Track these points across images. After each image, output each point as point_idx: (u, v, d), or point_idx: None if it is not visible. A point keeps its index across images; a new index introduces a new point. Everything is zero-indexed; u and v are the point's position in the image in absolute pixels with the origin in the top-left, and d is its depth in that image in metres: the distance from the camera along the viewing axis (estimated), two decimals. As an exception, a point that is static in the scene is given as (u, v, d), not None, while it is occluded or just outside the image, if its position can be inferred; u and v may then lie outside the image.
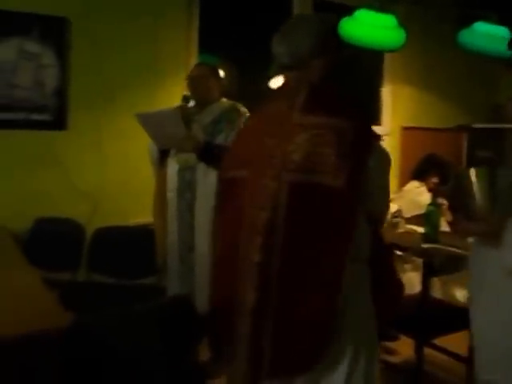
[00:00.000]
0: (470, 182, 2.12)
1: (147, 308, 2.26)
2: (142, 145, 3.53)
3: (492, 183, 2.15)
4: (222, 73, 3.69)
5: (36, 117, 3.85)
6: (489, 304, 1.84)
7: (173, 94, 3.83)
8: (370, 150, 1.88)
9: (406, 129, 5.21)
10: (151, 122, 3.20)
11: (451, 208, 3.68)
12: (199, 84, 3.42)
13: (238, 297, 1.98)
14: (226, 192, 2.13)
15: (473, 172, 2.10)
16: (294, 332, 1.93)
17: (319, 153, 1.85)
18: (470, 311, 2.04)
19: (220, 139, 3.33)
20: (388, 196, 2.01)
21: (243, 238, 1.99)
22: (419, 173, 4.30)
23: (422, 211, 3.57)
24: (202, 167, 3.31)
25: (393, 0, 4.48)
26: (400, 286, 2.10)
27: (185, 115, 3.27)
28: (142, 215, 3.73)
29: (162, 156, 3.41)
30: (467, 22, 4.47)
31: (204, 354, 3.13)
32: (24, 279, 2.58)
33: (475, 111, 5.25)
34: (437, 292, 3.80)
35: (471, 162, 4.47)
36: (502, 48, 3.71)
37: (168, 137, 3.22)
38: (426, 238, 3.45)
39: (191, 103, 3.42)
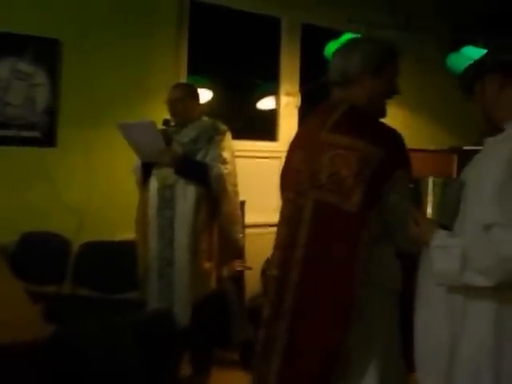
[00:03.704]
0: (426, 189, 2.16)
1: (127, 321, 2.31)
2: (129, 162, 3.67)
3: (443, 193, 2.18)
4: (207, 95, 3.76)
5: (26, 134, 4.03)
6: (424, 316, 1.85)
7: (162, 114, 3.93)
8: (392, 182, 1.91)
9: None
10: (131, 133, 3.39)
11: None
12: (177, 106, 3.56)
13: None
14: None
15: (430, 181, 2.14)
16: (302, 354, 1.99)
17: (338, 173, 1.90)
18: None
19: (199, 157, 3.47)
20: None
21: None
22: None
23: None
24: (181, 184, 3.44)
25: (380, 24, 4.55)
26: None
27: (166, 136, 3.44)
28: (128, 230, 3.80)
29: (145, 175, 3.55)
30: (456, 45, 4.55)
31: (184, 369, 3.24)
32: (6, 291, 2.66)
33: (466, 133, 5.31)
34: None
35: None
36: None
37: (148, 148, 3.38)
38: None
39: (172, 124, 3.58)
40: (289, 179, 2.13)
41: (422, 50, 5.12)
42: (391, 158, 1.92)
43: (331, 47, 4.25)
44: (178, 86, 3.79)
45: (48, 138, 4.07)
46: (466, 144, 4.97)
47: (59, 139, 4.08)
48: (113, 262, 3.89)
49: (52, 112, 4.07)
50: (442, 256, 1.68)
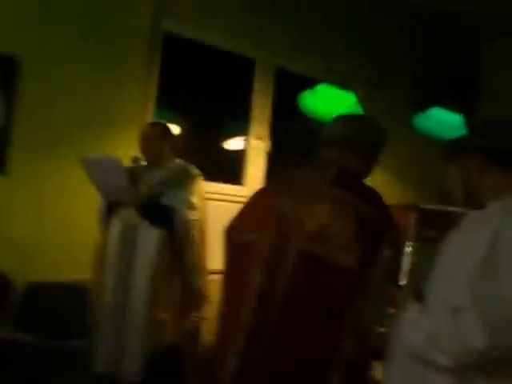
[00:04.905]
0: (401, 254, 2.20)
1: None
2: (84, 199, 3.52)
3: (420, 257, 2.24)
4: (174, 130, 3.62)
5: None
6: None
7: (125, 149, 3.72)
8: (386, 242, 1.94)
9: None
10: (94, 168, 3.22)
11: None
12: (149, 145, 3.44)
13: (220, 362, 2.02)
14: (232, 256, 2.19)
15: (408, 245, 2.17)
16: None
17: (335, 227, 1.89)
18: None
19: (166, 200, 3.32)
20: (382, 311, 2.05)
21: (239, 301, 2.02)
22: None
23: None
24: (144, 226, 3.28)
25: (353, 78, 4.59)
26: None
27: (132, 175, 3.29)
28: (77, 272, 3.58)
29: (108, 215, 3.38)
30: (424, 105, 4.65)
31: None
32: None
33: (425, 191, 5.40)
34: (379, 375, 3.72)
35: (418, 240, 4.55)
36: (453, 134, 3.82)
37: (111, 186, 3.23)
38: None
39: (142, 163, 3.45)
40: (267, 223, 2.07)
41: (390, 106, 5.18)
42: (385, 220, 1.99)
43: (306, 96, 4.24)
44: (153, 124, 3.66)
45: (-3, 164, 3.75)
46: (425, 202, 4.99)
47: (10, 166, 3.74)
48: (59, 305, 3.61)
49: (4, 135, 3.74)
50: (411, 330, 1.73)
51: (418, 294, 1.81)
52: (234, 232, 2.21)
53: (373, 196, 2.06)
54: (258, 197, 2.27)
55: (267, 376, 1.95)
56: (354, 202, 1.94)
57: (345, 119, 2.32)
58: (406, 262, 2.25)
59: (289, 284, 1.93)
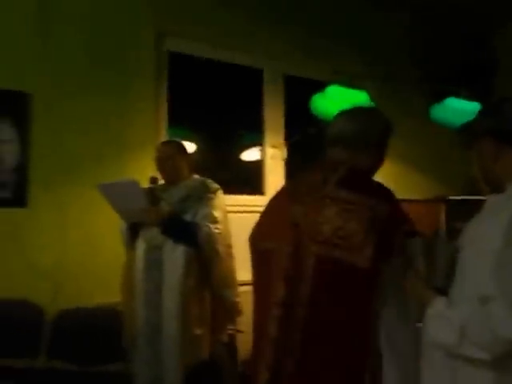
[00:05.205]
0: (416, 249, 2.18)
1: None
2: (107, 222, 3.52)
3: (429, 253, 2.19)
4: (189, 148, 3.61)
5: (-6, 193, 3.74)
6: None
7: (141, 169, 3.76)
8: (400, 237, 1.90)
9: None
10: (112, 193, 3.21)
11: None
12: (167, 164, 3.43)
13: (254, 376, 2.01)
14: (258, 264, 2.19)
15: (420, 241, 2.15)
16: None
17: (347, 228, 1.87)
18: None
19: (189, 216, 3.31)
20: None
21: (265, 311, 2.02)
22: None
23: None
24: (169, 245, 3.27)
25: (363, 76, 4.56)
26: None
27: (152, 195, 3.28)
28: (107, 295, 3.61)
29: (132, 237, 3.38)
30: (439, 96, 4.62)
31: None
32: None
33: (452, 183, 5.35)
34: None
35: (451, 233, 4.51)
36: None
37: (131, 208, 3.21)
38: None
39: (160, 183, 3.45)
40: (283, 231, 2.05)
41: (405, 101, 5.18)
42: (396, 214, 1.95)
43: (317, 99, 4.23)
44: (168, 143, 3.65)
45: (18, 198, 3.78)
46: (452, 193, 4.96)
47: (30, 199, 3.80)
48: (92, 331, 3.61)
49: (22, 170, 3.80)
50: (439, 326, 1.71)
51: (440, 288, 1.80)
52: (256, 239, 2.21)
53: (382, 193, 2.00)
54: (272, 204, 2.25)
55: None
56: (362, 201, 1.90)
57: (347, 115, 2.22)
58: (425, 256, 2.20)
59: (311, 290, 1.91)
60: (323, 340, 1.90)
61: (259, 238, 2.20)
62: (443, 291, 1.78)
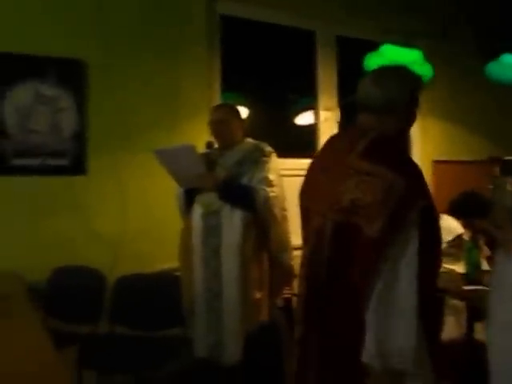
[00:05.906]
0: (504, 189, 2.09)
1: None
2: (165, 189, 3.51)
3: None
4: (243, 111, 3.58)
5: (53, 162, 3.83)
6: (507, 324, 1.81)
7: (195, 134, 3.80)
8: (416, 212, 1.85)
9: (436, 162, 5.27)
10: (169, 159, 3.21)
11: (489, 243, 3.58)
12: (221, 128, 3.40)
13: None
14: (302, 220, 2.25)
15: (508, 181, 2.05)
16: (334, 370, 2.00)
17: (362, 199, 1.88)
18: (487, 334, 1.99)
19: (245, 180, 3.31)
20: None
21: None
22: (460, 213, 4.07)
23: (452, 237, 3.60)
24: (226, 210, 3.27)
25: (416, 35, 4.46)
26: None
27: (209, 160, 3.30)
28: (166, 260, 3.66)
29: (188, 202, 3.40)
30: (491, 54, 4.48)
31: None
32: (27, 333, 2.42)
33: (504, 143, 5.22)
34: (479, 336, 3.62)
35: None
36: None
37: (188, 174, 3.22)
38: (467, 278, 3.31)
39: (215, 147, 3.45)
40: (313, 196, 2.14)
41: (459, 59, 5.09)
42: (415, 188, 1.90)
43: (371, 59, 4.14)
44: (222, 106, 3.64)
45: (77, 166, 3.87)
46: (506, 154, 4.85)
47: (89, 166, 3.89)
48: (153, 296, 3.65)
49: (80, 138, 3.87)
50: None
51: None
52: (300, 197, 2.25)
53: (404, 165, 1.95)
54: (313, 164, 2.25)
55: (324, 341, 2.00)
56: (382, 174, 1.87)
57: (371, 79, 2.11)
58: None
59: (328, 255, 1.97)
60: (340, 301, 1.95)
61: (302, 195, 2.24)
62: None
